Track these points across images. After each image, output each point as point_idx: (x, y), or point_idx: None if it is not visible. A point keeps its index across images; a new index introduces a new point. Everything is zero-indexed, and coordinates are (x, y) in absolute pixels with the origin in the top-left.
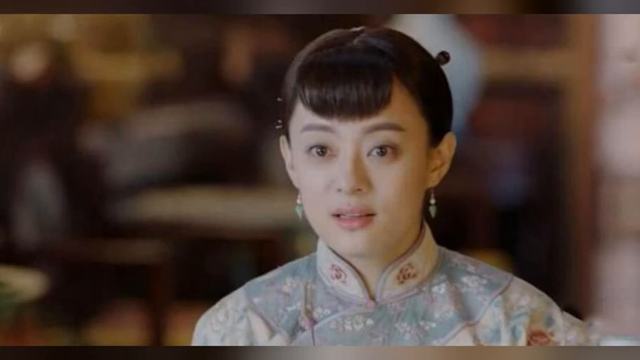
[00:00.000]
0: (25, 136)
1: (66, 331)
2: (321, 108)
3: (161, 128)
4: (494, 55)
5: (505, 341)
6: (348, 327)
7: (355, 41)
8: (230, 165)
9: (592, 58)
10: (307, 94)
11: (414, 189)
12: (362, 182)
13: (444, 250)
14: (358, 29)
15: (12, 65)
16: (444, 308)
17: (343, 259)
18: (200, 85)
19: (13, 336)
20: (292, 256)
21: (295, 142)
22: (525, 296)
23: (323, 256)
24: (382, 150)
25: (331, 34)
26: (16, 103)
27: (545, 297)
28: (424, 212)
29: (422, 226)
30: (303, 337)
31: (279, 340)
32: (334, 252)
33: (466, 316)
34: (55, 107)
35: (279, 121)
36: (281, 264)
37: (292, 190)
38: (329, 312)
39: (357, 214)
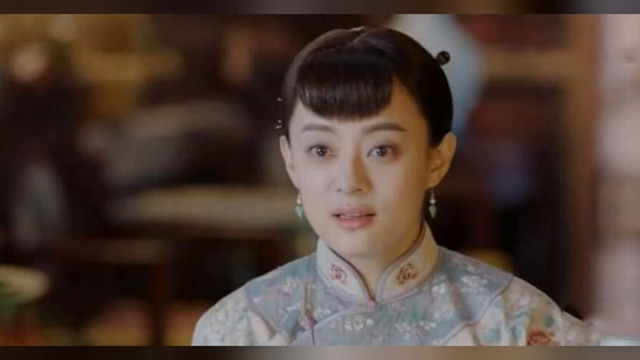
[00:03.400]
0: (25, 136)
1: (66, 331)
2: (321, 108)
3: (161, 128)
4: (494, 55)
5: (505, 341)
6: (348, 327)
7: (355, 41)
8: (230, 165)
9: (592, 58)
10: (307, 94)
11: (414, 189)
12: (362, 182)
13: (444, 250)
14: (358, 29)
15: (12, 65)
16: (444, 308)
17: (343, 259)
18: (200, 85)
19: (13, 336)
20: (292, 256)
21: (295, 142)
22: (525, 296)
23: (323, 256)
24: (382, 150)
25: (331, 34)
26: (16, 103)
27: (545, 297)
28: (424, 212)
29: (422, 226)
30: (303, 337)
31: (279, 340)
32: (334, 252)
33: (466, 316)
34: (55, 107)
35: (279, 121)
36: (281, 264)
37: (292, 190)
38: (329, 312)
39: (357, 214)
